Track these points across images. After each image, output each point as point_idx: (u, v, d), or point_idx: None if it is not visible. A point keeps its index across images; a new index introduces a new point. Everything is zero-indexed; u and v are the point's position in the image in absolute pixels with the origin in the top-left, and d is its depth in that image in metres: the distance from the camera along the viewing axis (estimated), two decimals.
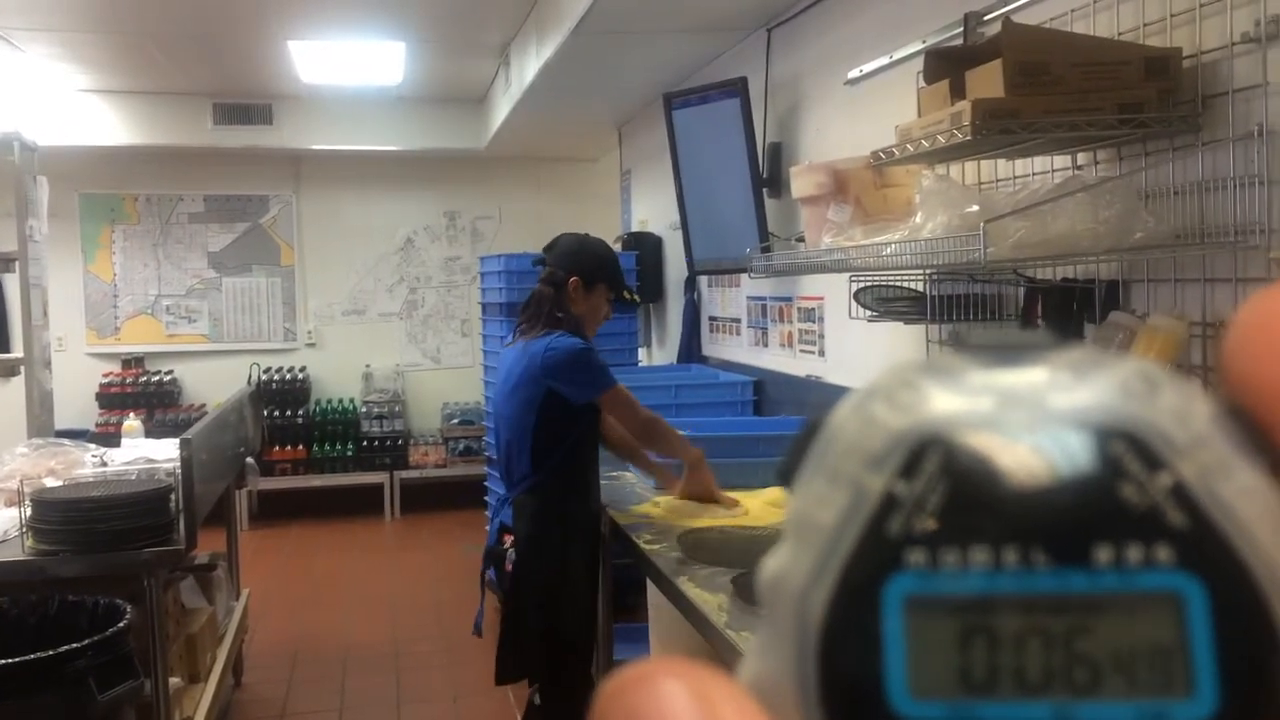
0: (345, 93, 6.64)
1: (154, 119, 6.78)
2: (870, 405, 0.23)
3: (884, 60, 3.21)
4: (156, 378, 7.59)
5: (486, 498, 5.52)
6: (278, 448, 7.32)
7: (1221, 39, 1.89)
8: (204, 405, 7.45)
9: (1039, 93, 1.89)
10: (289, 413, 7.49)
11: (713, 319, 5.22)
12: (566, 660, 2.96)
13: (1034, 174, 2.43)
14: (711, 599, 2.10)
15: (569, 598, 2.94)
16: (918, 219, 2.19)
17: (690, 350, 5.35)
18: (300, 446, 7.44)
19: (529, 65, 5.11)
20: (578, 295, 2.95)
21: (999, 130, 1.88)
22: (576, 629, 2.98)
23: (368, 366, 7.93)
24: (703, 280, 5.25)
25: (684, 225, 4.52)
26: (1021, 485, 0.22)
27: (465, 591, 5.48)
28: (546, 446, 2.92)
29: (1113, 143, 2.09)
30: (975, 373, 0.23)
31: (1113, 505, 0.21)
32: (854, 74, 3.39)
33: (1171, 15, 2.00)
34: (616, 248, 5.84)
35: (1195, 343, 1.98)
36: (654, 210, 6.17)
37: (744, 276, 4.38)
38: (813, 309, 3.91)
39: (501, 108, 6.19)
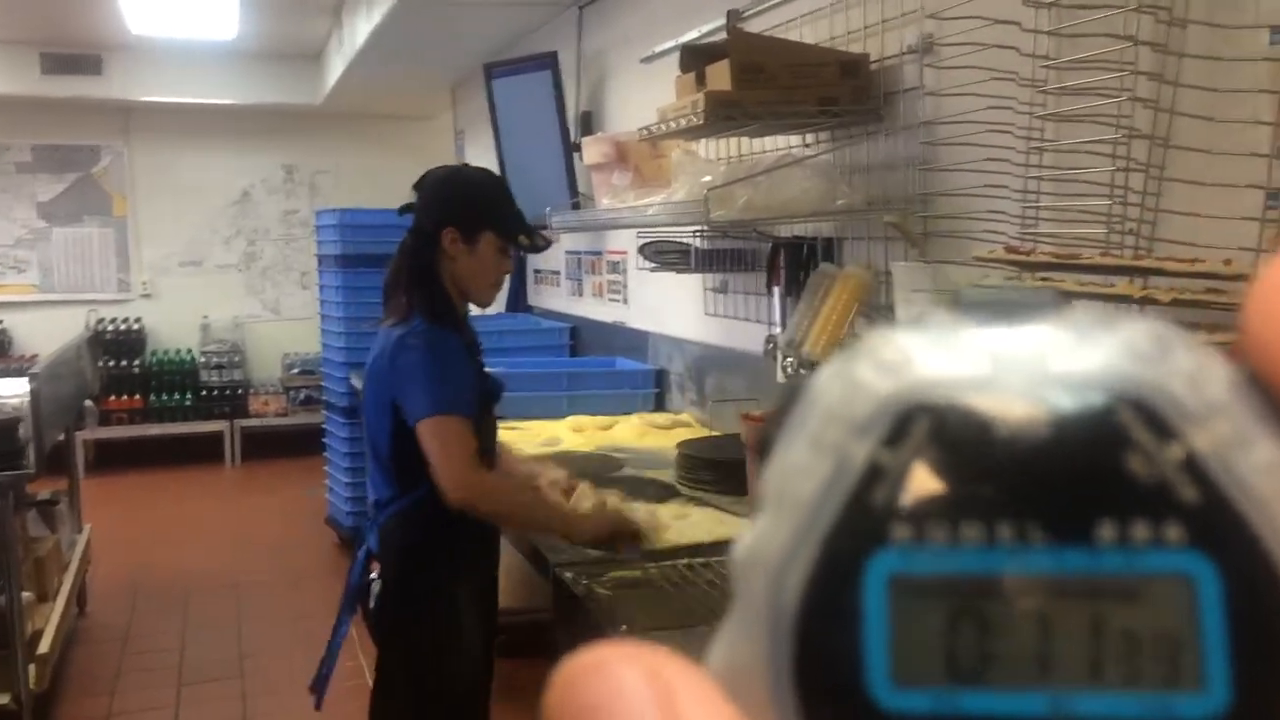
0: (177, 45, 6.72)
1: None
2: (855, 368, 0.21)
3: (671, 44, 3.67)
4: None
5: (325, 439, 5.83)
6: (114, 397, 7.41)
7: (896, 49, 2.42)
8: (35, 356, 7.44)
9: (757, 87, 2.38)
10: (125, 363, 7.57)
11: (537, 271, 5.65)
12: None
13: (777, 150, 2.94)
14: None
15: (457, 648, 2.31)
16: (674, 185, 2.67)
17: (518, 300, 5.77)
18: (137, 396, 7.54)
19: (360, 27, 5.38)
20: (457, 251, 2.28)
21: (725, 117, 2.37)
22: (466, 685, 2.35)
23: (205, 318, 8.05)
24: None
25: None
26: (1017, 455, 0.20)
27: (307, 530, 5.81)
28: (411, 460, 2.20)
29: (823, 128, 2.61)
30: (970, 333, 0.21)
31: (1118, 478, 0.20)
32: (648, 53, 3.85)
33: (865, 27, 2.53)
34: None
35: (881, 287, 2.52)
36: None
37: (561, 232, 4.82)
38: (618, 262, 4.39)
39: (336, 65, 6.41)
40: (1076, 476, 0.20)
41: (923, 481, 0.20)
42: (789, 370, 2.84)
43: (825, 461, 0.21)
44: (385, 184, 8.15)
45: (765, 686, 0.20)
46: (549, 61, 4.28)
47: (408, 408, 2.20)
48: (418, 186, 2.39)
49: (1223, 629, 0.19)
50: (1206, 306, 1.44)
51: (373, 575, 2.33)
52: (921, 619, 0.20)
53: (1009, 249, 1.63)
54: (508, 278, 2.88)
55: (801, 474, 0.21)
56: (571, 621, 2.16)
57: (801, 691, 0.20)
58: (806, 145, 2.80)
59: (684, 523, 2.42)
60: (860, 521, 0.20)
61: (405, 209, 2.39)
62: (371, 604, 2.31)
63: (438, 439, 2.15)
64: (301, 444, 7.28)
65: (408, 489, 2.27)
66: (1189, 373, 0.20)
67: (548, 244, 2.66)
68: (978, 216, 2.03)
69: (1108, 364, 0.20)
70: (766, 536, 0.21)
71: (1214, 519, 0.19)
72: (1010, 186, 1.95)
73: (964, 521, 0.20)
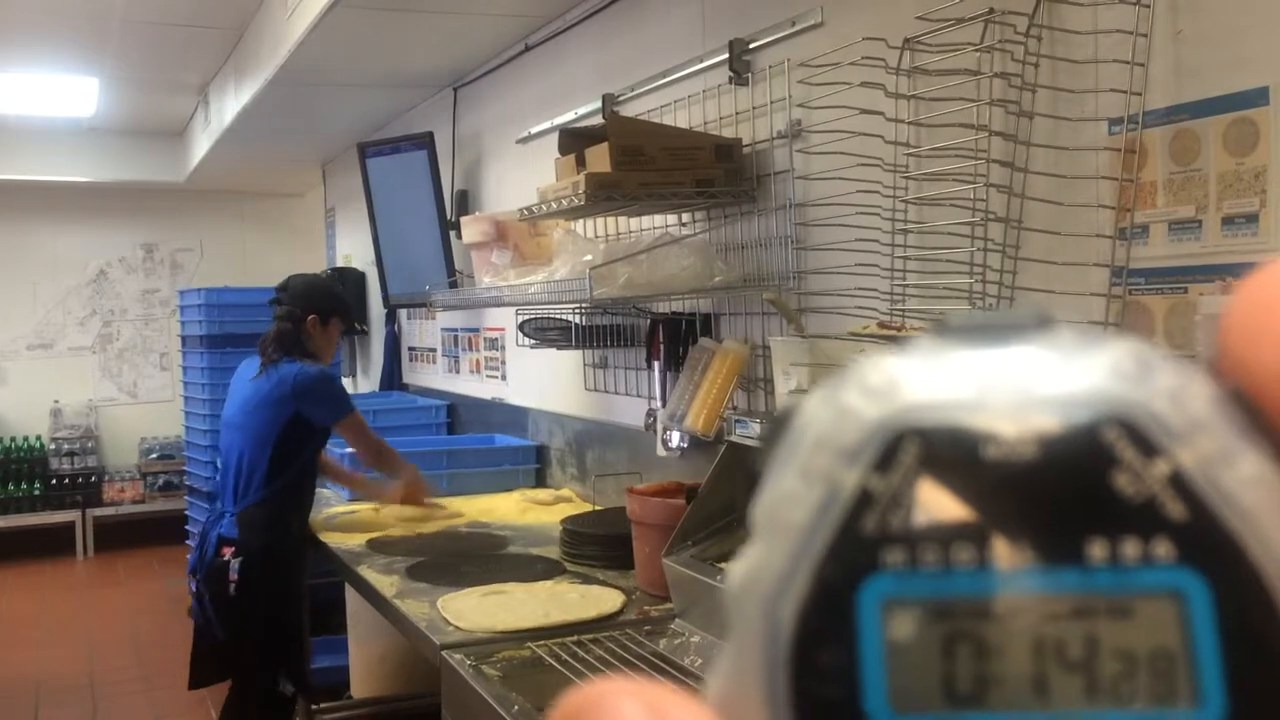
0: (30, 123, 6.49)
1: None
2: (843, 394, 0.21)
3: (547, 125, 3.75)
4: None
5: (188, 527, 5.59)
6: None
7: (766, 134, 2.54)
8: None
9: (636, 169, 2.46)
10: None
11: (412, 349, 5.60)
12: (280, 662, 3.22)
13: (655, 228, 3.02)
14: (385, 579, 2.51)
15: (293, 605, 3.29)
16: (556, 264, 2.71)
17: (392, 378, 5.69)
18: None
19: (228, 106, 5.31)
20: (315, 330, 3.36)
21: (605, 197, 2.43)
22: (296, 633, 3.32)
23: (56, 402, 7.67)
24: (402, 313, 5.61)
25: (379, 263, 4.90)
26: (1006, 477, 0.20)
27: (167, 624, 5.53)
28: (282, 464, 3.24)
29: (700, 207, 2.70)
30: (955, 356, 0.21)
31: (1106, 496, 0.20)
32: (523, 134, 3.92)
33: (736, 113, 2.64)
34: None
35: (758, 361, 2.60)
36: (357, 246, 6.46)
37: (439, 310, 4.81)
38: (496, 338, 4.39)
39: (202, 143, 6.29)
40: (1065, 496, 0.20)
41: (913, 506, 0.20)
42: (669, 444, 2.89)
43: (815, 489, 0.21)
44: (252, 261, 8.01)
45: (763, 716, 0.20)
46: (425, 142, 4.31)
47: (320, 414, 3.26)
48: (283, 289, 3.44)
49: (1216, 643, 0.20)
50: None
51: (228, 557, 3.16)
52: (917, 643, 0.20)
53: (881, 324, 1.72)
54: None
55: (792, 502, 0.21)
56: (461, 705, 2.12)
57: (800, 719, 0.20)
58: (683, 224, 2.89)
59: (570, 598, 2.42)
60: (852, 547, 0.20)
61: (273, 301, 3.42)
62: (233, 577, 3.14)
63: (357, 428, 3.36)
64: (160, 532, 6.96)
65: (272, 480, 3.21)
66: (1172, 391, 0.20)
67: (366, 333, 3.92)
68: (850, 293, 2.12)
69: (1092, 384, 0.20)
70: (759, 566, 0.21)
71: (1202, 534, 0.20)
72: (879, 264, 2.05)
73: (956, 544, 0.20)
